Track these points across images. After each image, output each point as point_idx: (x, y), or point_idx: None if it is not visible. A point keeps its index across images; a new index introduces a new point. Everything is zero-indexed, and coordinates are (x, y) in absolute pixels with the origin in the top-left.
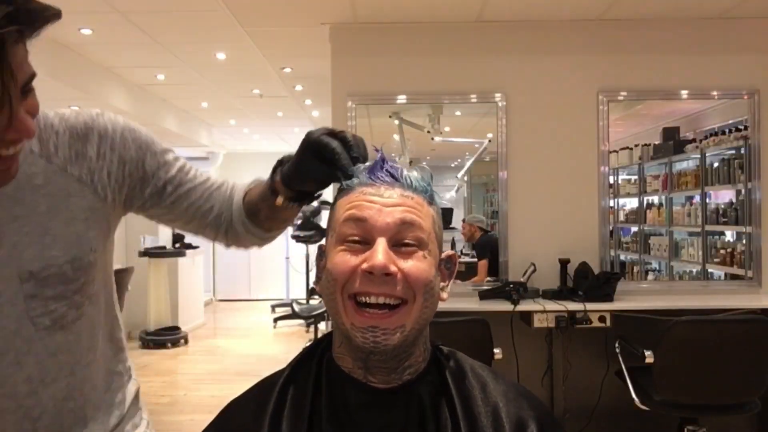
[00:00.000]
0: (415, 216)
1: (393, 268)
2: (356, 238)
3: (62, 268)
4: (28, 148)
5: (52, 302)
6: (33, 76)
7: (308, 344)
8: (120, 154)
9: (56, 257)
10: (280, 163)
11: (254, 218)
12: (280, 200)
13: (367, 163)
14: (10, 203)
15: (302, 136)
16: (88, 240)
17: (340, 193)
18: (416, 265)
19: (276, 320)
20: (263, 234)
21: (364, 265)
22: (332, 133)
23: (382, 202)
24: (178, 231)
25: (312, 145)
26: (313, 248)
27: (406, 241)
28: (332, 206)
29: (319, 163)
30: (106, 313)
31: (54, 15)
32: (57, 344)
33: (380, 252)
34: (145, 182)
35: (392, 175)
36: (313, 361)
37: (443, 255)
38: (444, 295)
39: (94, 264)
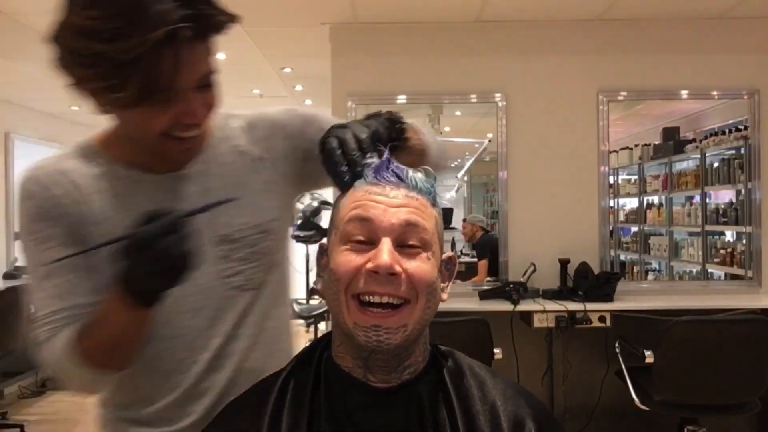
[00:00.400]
0: (419, 217)
1: (398, 268)
2: (361, 237)
3: (248, 233)
4: (215, 135)
5: (242, 264)
6: (210, 72)
7: (307, 344)
8: (285, 130)
9: (244, 223)
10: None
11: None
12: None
13: (373, 163)
14: (203, 178)
15: None
16: (270, 209)
17: (346, 191)
18: (420, 266)
19: None
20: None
21: (369, 265)
22: (337, 127)
23: (387, 203)
24: None
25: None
26: (314, 248)
27: (411, 242)
28: (335, 204)
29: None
30: (285, 289)
31: (231, 19)
32: (247, 304)
33: (385, 252)
34: (309, 152)
35: (398, 176)
36: (312, 361)
37: (444, 256)
38: (444, 295)
39: (276, 232)
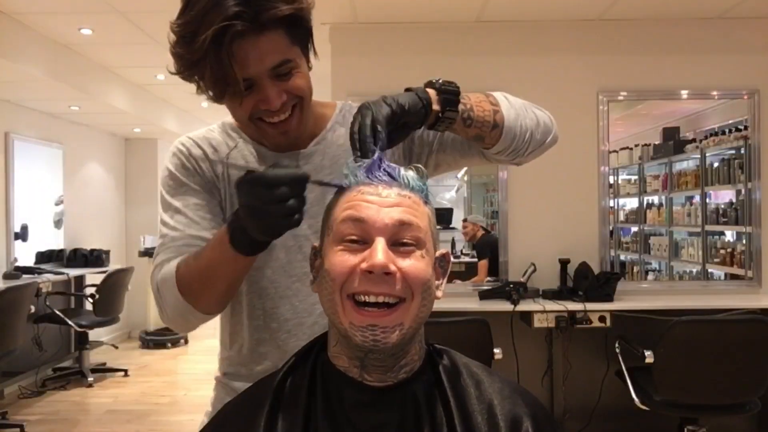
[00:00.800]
0: (412, 216)
1: (393, 267)
2: (354, 237)
3: None
4: (334, 120)
5: None
6: (286, 62)
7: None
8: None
9: None
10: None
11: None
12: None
13: (366, 163)
14: (320, 157)
15: None
16: None
17: (339, 192)
18: (415, 264)
19: None
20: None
21: (364, 265)
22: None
23: (379, 202)
24: None
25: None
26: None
27: (404, 240)
28: (328, 206)
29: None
30: None
31: (289, 11)
32: None
33: (380, 251)
34: (413, 141)
35: (390, 175)
36: (308, 361)
37: (437, 254)
38: (438, 293)
39: None
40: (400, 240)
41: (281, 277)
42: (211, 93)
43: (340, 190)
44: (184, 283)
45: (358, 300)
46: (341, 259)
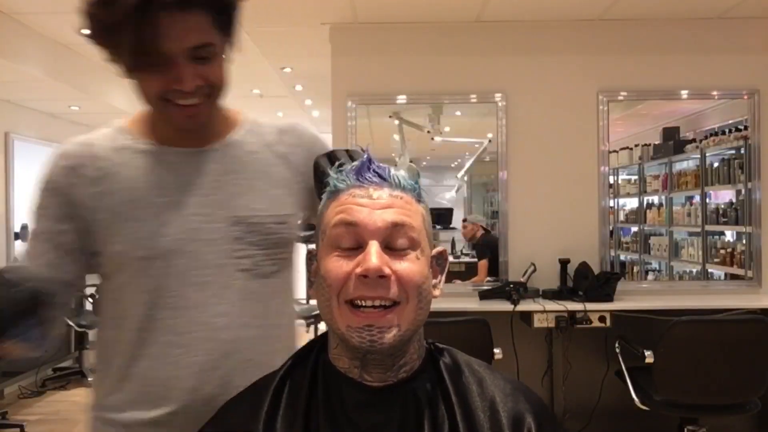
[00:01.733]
0: (405, 216)
1: (387, 270)
2: (348, 244)
3: (264, 220)
4: (243, 127)
5: (254, 248)
6: (206, 45)
7: (303, 345)
8: (308, 149)
9: (261, 209)
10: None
11: None
12: None
13: (354, 164)
14: (227, 160)
15: None
16: (285, 204)
17: (329, 196)
18: (409, 267)
19: None
20: None
21: (358, 270)
22: (328, 153)
23: (371, 204)
24: None
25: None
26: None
27: (399, 242)
28: (320, 210)
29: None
30: (292, 291)
31: None
32: (252, 291)
33: (373, 255)
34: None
35: (380, 175)
36: (308, 362)
37: (434, 252)
38: (436, 292)
39: (290, 226)
40: (394, 242)
41: (177, 285)
42: (123, 64)
43: (332, 193)
44: None
45: (355, 304)
46: (336, 266)
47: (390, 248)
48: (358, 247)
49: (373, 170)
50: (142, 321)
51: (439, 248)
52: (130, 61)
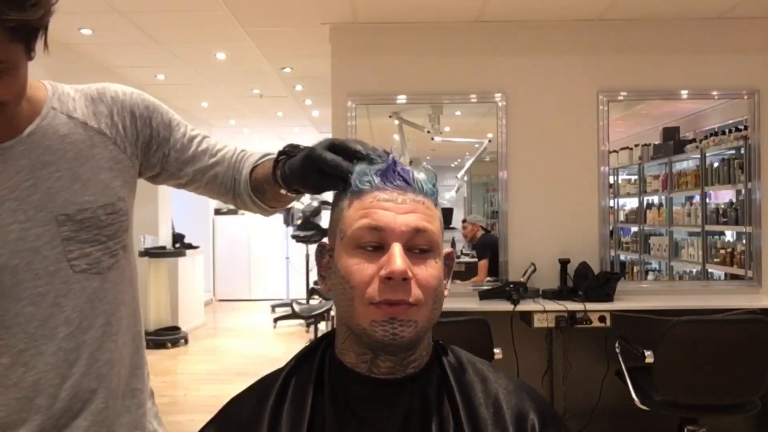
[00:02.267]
0: (427, 222)
1: (410, 273)
2: (372, 245)
3: (96, 212)
4: (49, 105)
5: (88, 246)
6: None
7: (307, 343)
8: (131, 110)
9: (89, 201)
10: (284, 153)
11: (259, 195)
12: (283, 191)
13: (379, 166)
14: (39, 150)
15: (302, 137)
16: (116, 189)
17: (352, 194)
18: (429, 271)
19: (276, 320)
20: (267, 209)
21: (383, 272)
22: (332, 146)
23: (396, 209)
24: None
25: (312, 163)
26: (313, 248)
27: (420, 246)
28: (338, 205)
29: (318, 176)
30: (135, 276)
31: (23, 18)
32: (93, 290)
33: (398, 257)
34: (153, 140)
35: (404, 179)
36: (315, 357)
37: (444, 252)
38: (445, 291)
39: (124, 213)
40: (415, 246)
41: (8, 303)
42: None
43: (354, 193)
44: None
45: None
46: (359, 268)
47: (411, 252)
48: (380, 248)
49: (398, 173)
50: None
51: (447, 249)
52: None
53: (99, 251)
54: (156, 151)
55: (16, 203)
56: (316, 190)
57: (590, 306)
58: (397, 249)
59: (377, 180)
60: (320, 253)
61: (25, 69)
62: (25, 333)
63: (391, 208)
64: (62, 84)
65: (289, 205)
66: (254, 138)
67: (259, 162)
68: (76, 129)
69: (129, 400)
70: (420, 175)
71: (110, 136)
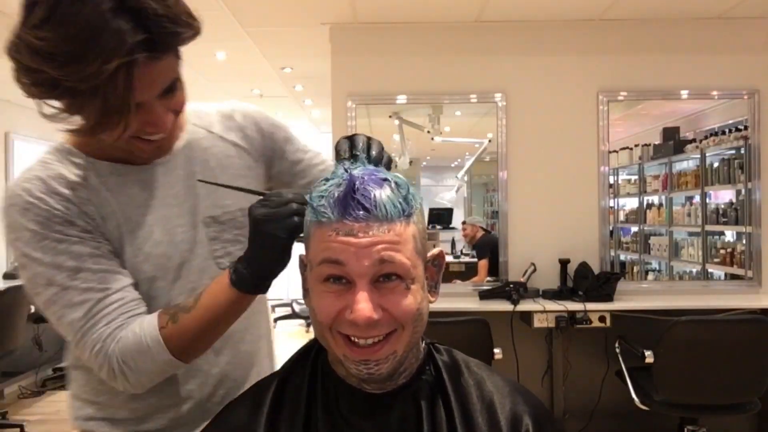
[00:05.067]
0: (393, 252)
1: (377, 315)
2: (335, 275)
3: (235, 214)
4: (191, 122)
5: (230, 245)
6: (174, 80)
7: (302, 345)
8: (259, 126)
9: (229, 205)
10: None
11: None
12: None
13: (339, 189)
14: (187, 162)
15: (302, 136)
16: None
17: (313, 222)
18: (400, 302)
19: (276, 320)
20: None
21: (349, 316)
22: (350, 136)
23: (356, 243)
24: None
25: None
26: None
27: (388, 276)
28: (306, 231)
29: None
30: None
31: (190, 37)
32: None
33: (362, 302)
34: (275, 154)
35: (364, 207)
36: (308, 361)
37: (429, 255)
38: (433, 297)
39: None
40: (384, 274)
41: (171, 296)
42: (87, 122)
43: (314, 222)
44: (179, 342)
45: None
46: (326, 303)
47: (380, 282)
48: (348, 283)
49: (357, 200)
50: None
51: (435, 251)
52: (101, 121)
53: (239, 250)
54: (275, 164)
55: (178, 209)
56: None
57: (590, 306)
58: (361, 295)
59: (336, 212)
60: (302, 267)
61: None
62: None
63: (352, 243)
64: (195, 102)
65: None
66: None
67: None
68: (215, 142)
69: None
70: (384, 196)
71: (244, 147)
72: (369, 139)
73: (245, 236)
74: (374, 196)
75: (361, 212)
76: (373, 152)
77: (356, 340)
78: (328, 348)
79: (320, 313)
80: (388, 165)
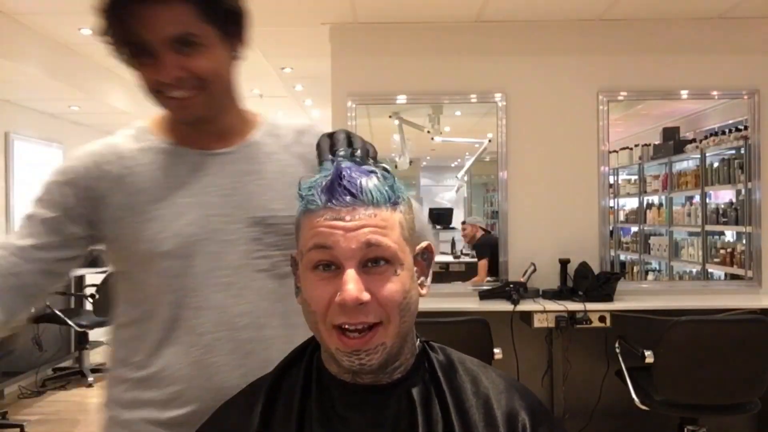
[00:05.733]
0: (380, 235)
1: (365, 296)
2: (325, 261)
3: (282, 220)
4: (262, 130)
5: (271, 249)
6: (189, 35)
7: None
8: None
9: (278, 210)
10: None
11: None
12: None
13: (327, 178)
14: (245, 162)
15: None
16: None
17: (303, 213)
18: (388, 287)
19: None
20: None
21: (337, 298)
22: (330, 133)
23: (344, 227)
24: None
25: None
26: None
27: (376, 260)
28: (297, 221)
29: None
30: None
31: None
32: (270, 290)
33: (350, 283)
34: None
35: (351, 193)
36: (302, 362)
37: (418, 248)
38: (424, 290)
39: None
40: (372, 260)
41: (200, 287)
42: (119, 55)
43: (305, 212)
44: None
45: (342, 328)
46: (317, 293)
47: (368, 267)
48: (337, 269)
49: (344, 187)
50: (166, 321)
51: (423, 244)
52: (118, 51)
53: (279, 256)
54: None
55: (221, 199)
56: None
57: (590, 306)
58: (350, 274)
59: (323, 198)
60: (293, 265)
61: (222, 55)
62: (209, 317)
63: (339, 227)
64: (281, 115)
65: None
66: None
67: None
68: (280, 150)
69: None
70: (370, 183)
71: (307, 161)
72: (349, 134)
73: (287, 245)
74: (360, 183)
75: (348, 197)
76: (356, 147)
77: (347, 327)
78: (321, 342)
79: (312, 302)
80: (375, 156)
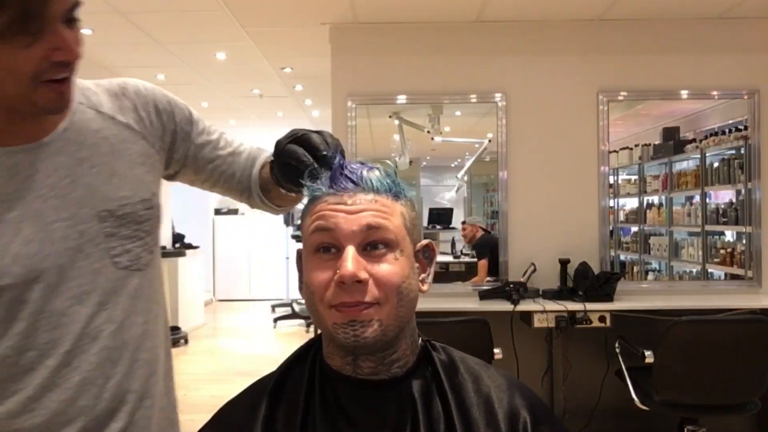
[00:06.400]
0: (381, 219)
1: (363, 275)
2: (326, 244)
3: (135, 208)
4: (77, 100)
5: (129, 242)
6: (74, 5)
7: (301, 345)
8: (155, 105)
9: (127, 197)
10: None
11: (266, 195)
12: (283, 191)
13: (328, 172)
14: (74, 147)
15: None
16: (149, 184)
17: (308, 201)
18: (387, 268)
19: (276, 320)
20: (276, 209)
21: (336, 276)
22: (296, 138)
23: (346, 210)
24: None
25: (279, 158)
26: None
27: (375, 243)
28: (302, 215)
29: (288, 169)
30: (161, 279)
31: None
32: (135, 287)
33: (349, 260)
34: (177, 136)
35: (352, 181)
36: (305, 361)
37: (418, 246)
38: (425, 287)
39: (158, 208)
40: (371, 244)
41: (55, 303)
42: None
43: (310, 201)
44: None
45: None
46: (318, 273)
47: (367, 250)
48: (337, 252)
49: (345, 175)
50: (21, 351)
51: (424, 241)
52: (11, 25)
53: (138, 247)
54: (179, 147)
55: (58, 201)
56: (295, 185)
57: (590, 306)
58: (349, 251)
59: (326, 186)
60: (298, 260)
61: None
62: (71, 333)
63: (341, 210)
64: (82, 80)
65: None
66: (254, 138)
67: (267, 160)
68: (106, 124)
69: (165, 398)
70: (372, 174)
71: (139, 131)
72: (319, 133)
73: (146, 232)
74: (361, 172)
75: (350, 185)
76: (332, 145)
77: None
78: (319, 324)
79: (312, 283)
80: (343, 152)
